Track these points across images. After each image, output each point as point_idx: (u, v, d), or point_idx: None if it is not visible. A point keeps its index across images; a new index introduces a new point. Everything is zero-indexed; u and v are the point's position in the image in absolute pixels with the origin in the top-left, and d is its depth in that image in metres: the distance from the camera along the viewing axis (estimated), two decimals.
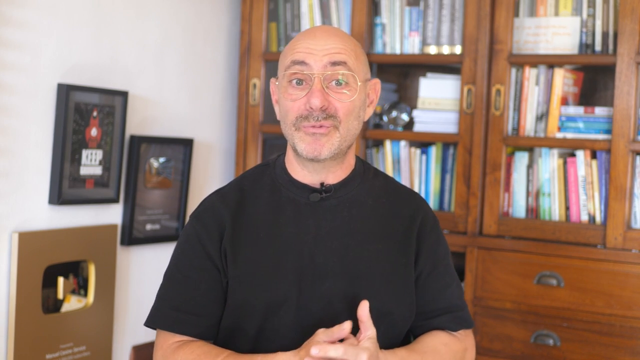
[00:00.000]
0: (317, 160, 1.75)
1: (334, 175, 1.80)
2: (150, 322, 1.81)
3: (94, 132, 2.58)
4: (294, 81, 1.74)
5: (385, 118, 3.07)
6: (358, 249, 1.77)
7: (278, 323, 1.74)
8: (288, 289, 1.74)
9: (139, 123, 2.80)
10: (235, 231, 1.78)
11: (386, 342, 1.76)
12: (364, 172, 1.86)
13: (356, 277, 1.75)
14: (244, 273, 1.76)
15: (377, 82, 1.85)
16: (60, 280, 2.52)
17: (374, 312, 1.69)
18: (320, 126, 1.72)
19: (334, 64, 1.73)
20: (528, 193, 2.79)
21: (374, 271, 1.77)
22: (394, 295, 1.78)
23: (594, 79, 2.95)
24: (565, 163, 2.73)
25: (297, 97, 1.73)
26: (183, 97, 3.00)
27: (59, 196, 2.48)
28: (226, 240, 1.77)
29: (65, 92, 2.46)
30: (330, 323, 1.69)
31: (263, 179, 1.85)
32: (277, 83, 1.81)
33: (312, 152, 1.73)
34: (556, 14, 2.78)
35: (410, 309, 1.82)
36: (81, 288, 2.63)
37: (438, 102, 2.94)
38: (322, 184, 1.80)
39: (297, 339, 1.72)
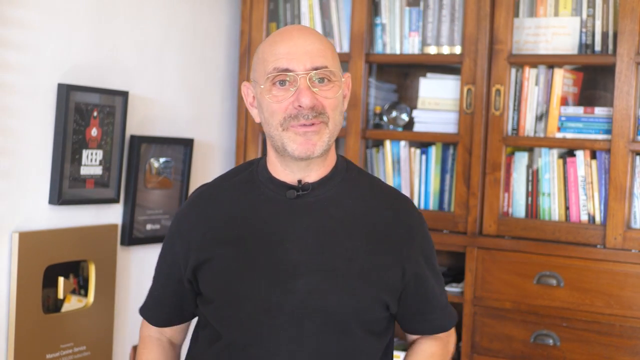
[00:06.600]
0: (308, 159, 1.75)
1: (316, 173, 1.80)
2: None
3: (94, 132, 2.58)
4: (278, 83, 1.74)
5: (385, 118, 3.07)
6: (334, 246, 1.76)
7: (253, 318, 1.75)
8: (262, 286, 1.74)
9: (139, 123, 2.80)
10: (210, 231, 1.80)
11: (363, 339, 1.76)
12: (347, 170, 1.85)
13: (331, 274, 1.74)
14: (218, 273, 1.78)
15: (348, 77, 1.85)
16: (61, 280, 2.52)
17: (348, 308, 1.72)
18: (312, 124, 1.72)
19: (316, 68, 1.73)
20: (528, 193, 2.79)
21: (349, 268, 1.75)
22: (370, 292, 1.76)
23: (593, 79, 2.95)
24: (565, 163, 2.73)
25: (283, 98, 1.73)
26: (183, 97, 3.00)
27: (59, 196, 2.48)
28: (200, 242, 1.80)
29: (65, 92, 2.46)
30: (304, 320, 1.71)
31: (244, 175, 1.87)
32: (252, 87, 1.82)
33: (304, 151, 1.73)
34: (556, 14, 2.78)
35: (387, 308, 1.80)
36: (81, 288, 2.63)
37: (438, 102, 2.94)
38: (299, 182, 1.79)
39: (273, 337, 1.72)
